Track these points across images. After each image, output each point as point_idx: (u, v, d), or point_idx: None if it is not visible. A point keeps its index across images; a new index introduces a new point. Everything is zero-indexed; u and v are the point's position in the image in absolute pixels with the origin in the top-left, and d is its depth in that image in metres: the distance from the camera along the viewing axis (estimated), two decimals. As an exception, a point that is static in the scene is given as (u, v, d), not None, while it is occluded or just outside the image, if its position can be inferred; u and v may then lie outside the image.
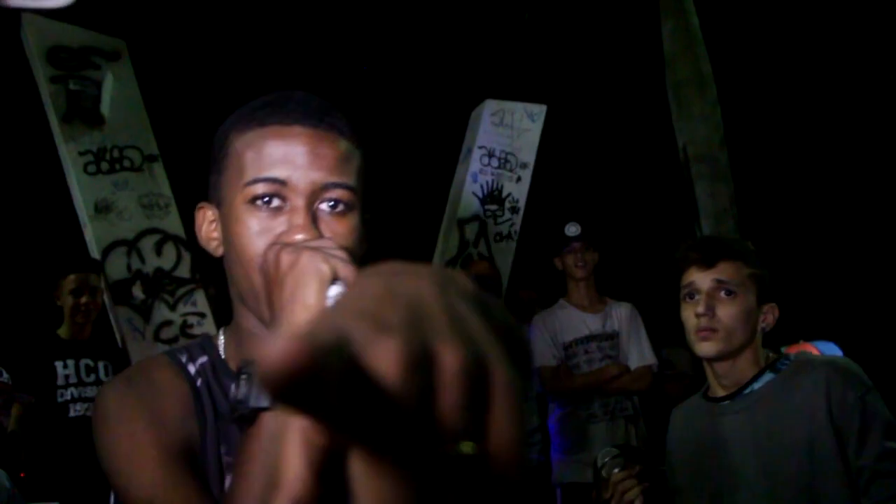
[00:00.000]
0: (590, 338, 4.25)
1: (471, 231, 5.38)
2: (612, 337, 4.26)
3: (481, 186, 5.47)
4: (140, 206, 4.52)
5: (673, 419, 2.30)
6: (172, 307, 4.46)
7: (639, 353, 4.22)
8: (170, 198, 4.60)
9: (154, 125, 4.67)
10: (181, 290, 4.49)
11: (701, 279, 2.09)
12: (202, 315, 4.51)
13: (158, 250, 4.49)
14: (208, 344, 1.17)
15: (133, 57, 4.74)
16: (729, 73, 6.58)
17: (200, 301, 4.52)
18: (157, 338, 4.35)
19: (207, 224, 1.13)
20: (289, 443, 0.47)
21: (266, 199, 1.02)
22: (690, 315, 2.09)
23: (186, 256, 4.53)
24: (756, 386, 2.09)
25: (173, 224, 4.57)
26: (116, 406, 1.07)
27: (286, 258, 0.93)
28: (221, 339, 1.17)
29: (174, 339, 4.37)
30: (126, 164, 4.53)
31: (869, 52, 6.93)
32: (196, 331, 4.44)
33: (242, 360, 0.98)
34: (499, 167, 5.56)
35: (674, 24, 6.31)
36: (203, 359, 1.15)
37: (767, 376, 2.09)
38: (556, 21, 7.88)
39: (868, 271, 8.05)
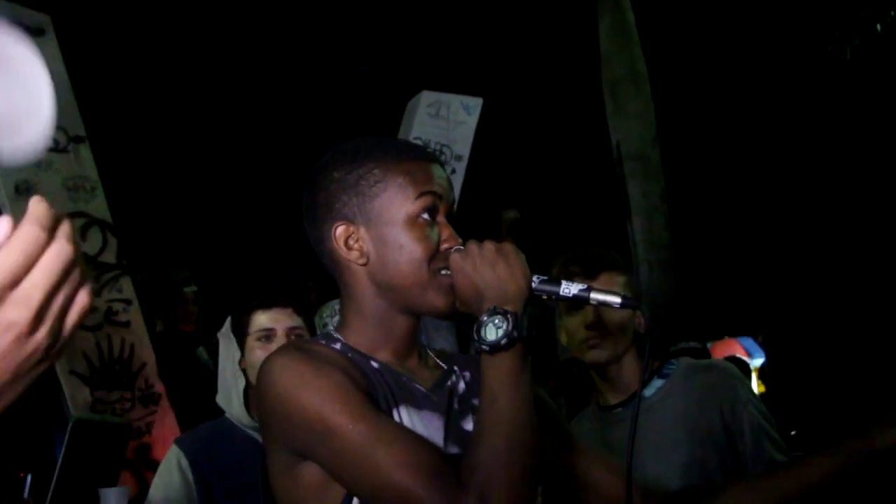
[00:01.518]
0: None
1: (405, 222, 5.37)
2: None
3: (416, 178, 5.47)
4: (65, 189, 4.37)
5: (573, 431, 2.34)
6: (97, 293, 4.34)
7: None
8: (96, 181, 4.46)
9: (81, 105, 4.53)
10: (106, 276, 4.37)
11: None
12: (128, 302, 4.39)
13: (83, 235, 4.35)
14: (330, 337, 1.40)
15: (58, 32, 4.58)
16: (662, 72, 6.68)
17: (127, 287, 4.40)
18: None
19: (347, 239, 1.37)
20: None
21: (428, 212, 1.34)
22: (579, 326, 2.13)
23: (112, 242, 4.40)
24: (647, 392, 2.15)
25: (99, 208, 4.44)
26: (303, 365, 1.27)
27: (490, 248, 1.30)
28: (338, 335, 1.40)
29: (98, 327, 4.24)
30: (50, 144, 4.38)
31: (798, 53, 7.12)
32: (122, 318, 4.32)
33: (495, 307, 1.25)
34: (434, 159, 5.55)
35: (611, 22, 6.37)
36: (337, 345, 1.38)
37: (657, 382, 2.16)
38: (495, 16, 7.89)
39: (793, 268, 8.28)
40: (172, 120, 7.59)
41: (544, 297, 1.34)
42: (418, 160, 1.39)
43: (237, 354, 2.37)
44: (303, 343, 1.54)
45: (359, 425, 1.21)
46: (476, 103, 5.84)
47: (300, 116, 7.78)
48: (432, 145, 5.60)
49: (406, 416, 1.31)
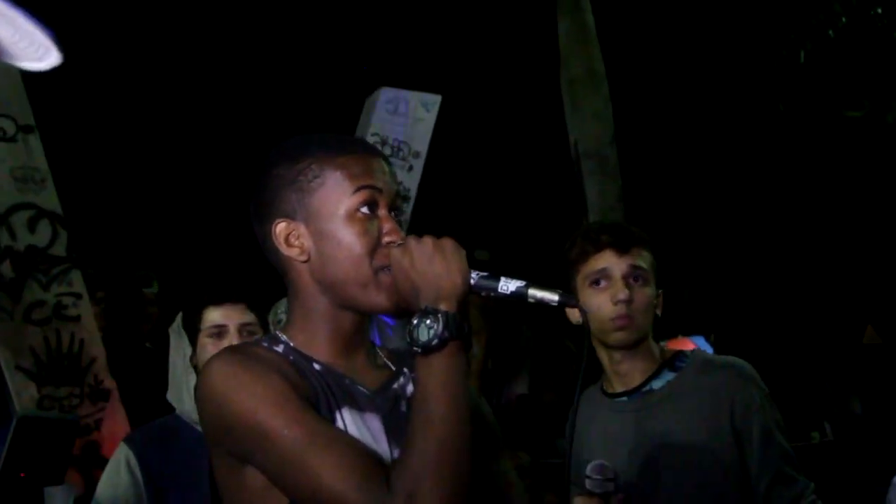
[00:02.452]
0: None
1: (362, 218, 5.35)
2: None
3: (373, 174, 5.44)
4: (13, 179, 4.27)
5: (571, 412, 2.23)
6: (45, 287, 4.24)
7: None
8: (46, 171, 4.37)
9: (30, 93, 4.43)
10: (56, 270, 4.28)
11: (616, 264, 2.01)
12: (78, 296, 4.30)
13: (32, 227, 4.26)
14: (274, 339, 1.39)
15: (8, 21, 4.47)
16: (620, 72, 6.73)
17: (77, 281, 4.32)
18: (27, 319, 4.13)
19: (287, 236, 1.36)
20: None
21: (367, 206, 1.32)
22: (605, 302, 1.99)
23: (62, 234, 4.31)
24: (655, 385, 2.05)
25: (49, 200, 4.34)
26: (241, 368, 1.26)
27: (428, 243, 1.28)
28: (283, 336, 1.38)
29: (47, 321, 4.15)
30: (-2, 133, 4.29)
31: (753, 56, 7.22)
32: (71, 312, 4.24)
33: (427, 307, 1.24)
34: (391, 155, 5.53)
35: (570, 22, 6.40)
36: (280, 347, 1.37)
37: (667, 375, 2.05)
38: (455, 14, 7.89)
39: (745, 269, 8.41)
40: (126, 110, 7.47)
41: (483, 293, 1.32)
42: (357, 154, 1.37)
43: (188, 350, 2.34)
44: (243, 346, 1.49)
45: (294, 430, 1.20)
46: (435, 100, 5.84)
47: (255, 108, 7.71)
48: (390, 142, 5.60)
49: (348, 418, 1.30)
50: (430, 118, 5.75)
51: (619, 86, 6.61)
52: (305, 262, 1.36)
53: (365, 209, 1.34)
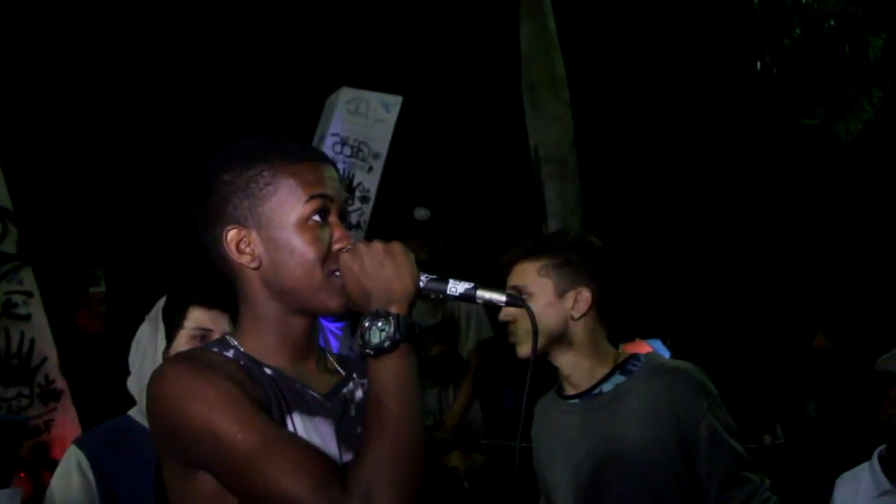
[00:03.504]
0: (428, 328, 4.33)
1: (320, 219, 5.32)
2: (451, 323, 4.38)
3: (333, 174, 5.41)
4: (-38, 175, 4.19)
5: (535, 412, 2.27)
6: (-6, 285, 4.17)
7: (476, 341, 4.36)
8: (-4, 167, 4.29)
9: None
10: (6, 267, 4.20)
11: (509, 287, 2.07)
12: (29, 294, 4.23)
13: (-19, 223, 4.19)
14: (224, 343, 1.38)
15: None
16: (580, 77, 6.78)
17: (28, 279, 4.24)
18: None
19: (238, 243, 1.35)
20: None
21: (319, 214, 1.34)
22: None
23: (13, 231, 4.23)
24: (605, 388, 2.06)
25: None
26: (192, 375, 1.25)
27: (378, 247, 1.29)
28: (234, 341, 1.38)
29: (-5, 319, 4.08)
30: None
31: (712, 62, 7.32)
32: (21, 310, 4.16)
33: (378, 310, 1.26)
34: (351, 156, 5.51)
35: (532, 25, 6.43)
36: (230, 352, 1.36)
37: (617, 378, 2.06)
38: (418, 15, 7.89)
39: (702, 273, 8.52)
40: (79, 104, 7.35)
41: (433, 295, 1.34)
42: (308, 161, 1.38)
43: (162, 344, 2.25)
44: (193, 352, 1.48)
45: (247, 434, 1.20)
46: (396, 101, 5.82)
47: (211, 106, 7.63)
48: (350, 142, 5.57)
49: (299, 423, 1.31)
50: (390, 119, 5.73)
51: (580, 90, 6.66)
52: (256, 268, 1.36)
53: (317, 217, 1.35)
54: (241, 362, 1.34)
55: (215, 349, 1.38)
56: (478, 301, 1.34)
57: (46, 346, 4.17)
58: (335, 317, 1.31)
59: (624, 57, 8.28)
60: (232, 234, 1.36)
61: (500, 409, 4.72)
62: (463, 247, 6.53)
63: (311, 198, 1.34)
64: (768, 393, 5.94)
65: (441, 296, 1.34)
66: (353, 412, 1.38)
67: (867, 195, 8.41)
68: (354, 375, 1.45)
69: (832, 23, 6.66)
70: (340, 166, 5.48)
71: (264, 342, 1.37)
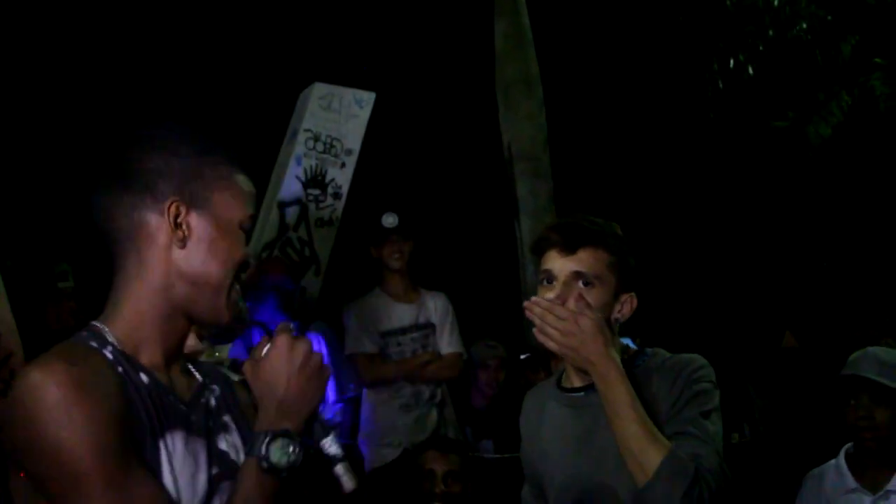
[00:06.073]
0: (403, 329, 4.29)
1: (291, 214, 5.26)
2: (426, 327, 4.33)
3: (305, 170, 5.35)
4: (-74, 166, 4.11)
5: (524, 404, 2.22)
6: (-43, 278, 4.09)
7: (449, 342, 4.31)
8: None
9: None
10: (-30, 261, 4.13)
11: (559, 266, 1.95)
12: (-9, 288, 4.16)
13: (-55, 216, 4.11)
14: (100, 337, 1.30)
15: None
16: (554, 75, 6.80)
17: (-9, 273, 4.17)
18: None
19: (176, 218, 1.32)
20: None
21: (245, 228, 1.38)
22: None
23: (-23, 223, 4.17)
24: None
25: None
26: (73, 399, 1.16)
27: (301, 354, 1.34)
28: (110, 334, 1.31)
29: (-42, 313, 4.00)
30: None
31: (686, 63, 7.36)
32: (-14, 305, 4.09)
33: (288, 430, 1.31)
34: (323, 152, 5.47)
35: (506, 24, 6.44)
36: (108, 349, 1.28)
37: None
38: (393, 12, 7.87)
39: (673, 271, 8.57)
40: (41, 96, 7.25)
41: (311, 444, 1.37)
42: (248, 180, 1.43)
43: None
44: (73, 355, 1.25)
45: (110, 495, 1.17)
46: (369, 98, 5.79)
47: (182, 101, 7.56)
48: (323, 138, 5.53)
49: (171, 443, 1.29)
50: (363, 115, 5.70)
51: (554, 89, 6.67)
52: (181, 248, 1.32)
53: (246, 227, 1.40)
54: (119, 368, 1.27)
55: (93, 344, 1.29)
56: (335, 471, 1.36)
57: (11, 341, 4.10)
58: (214, 333, 1.33)
59: (598, 55, 8.31)
60: (174, 208, 1.32)
61: (470, 410, 4.71)
62: (434, 245, 6.51)
63: (249, 213, 1.40)
64: (736, 392, 5.98)
65: (311, 451, 1.35)
66: (211, 423, 1.38)
67: (836, 198, 8.50)
68: (206, 381, 1.43)
69: (804, 26, 6.73)
70: (313, 162, 5.44)
71: (142, 336, 1.32)
